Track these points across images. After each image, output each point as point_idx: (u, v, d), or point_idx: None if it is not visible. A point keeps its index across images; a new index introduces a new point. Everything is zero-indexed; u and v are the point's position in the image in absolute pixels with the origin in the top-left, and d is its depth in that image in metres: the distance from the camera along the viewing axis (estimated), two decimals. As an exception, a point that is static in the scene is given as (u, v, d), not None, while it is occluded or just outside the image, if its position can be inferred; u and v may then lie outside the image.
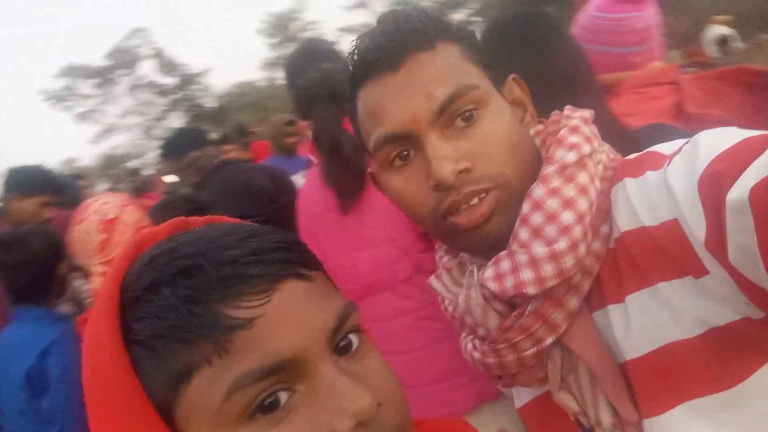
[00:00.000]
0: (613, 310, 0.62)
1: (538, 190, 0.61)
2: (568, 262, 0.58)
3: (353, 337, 0.44)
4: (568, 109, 0.70)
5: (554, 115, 0.71)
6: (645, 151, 0.65)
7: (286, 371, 0.39)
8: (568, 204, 0.59)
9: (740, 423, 0.55)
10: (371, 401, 0.39)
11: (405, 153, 0.64)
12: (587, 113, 0.69)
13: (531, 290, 0.59)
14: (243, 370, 0.38)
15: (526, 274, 0.59)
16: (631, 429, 0.62)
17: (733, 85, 1.31)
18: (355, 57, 0.67)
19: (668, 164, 0.58)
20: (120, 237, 1.61)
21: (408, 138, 0.63)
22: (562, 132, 0.65)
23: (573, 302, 0.62)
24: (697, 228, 0.52)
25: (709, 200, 0.50)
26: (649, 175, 0.60)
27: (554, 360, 0.66)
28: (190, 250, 0.42)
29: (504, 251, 0.63)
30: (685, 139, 0.60)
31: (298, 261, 0.44)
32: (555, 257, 0.58)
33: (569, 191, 0.60)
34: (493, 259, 0.64)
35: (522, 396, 0.76)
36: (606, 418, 0.63)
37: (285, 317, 0.40)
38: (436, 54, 0.64)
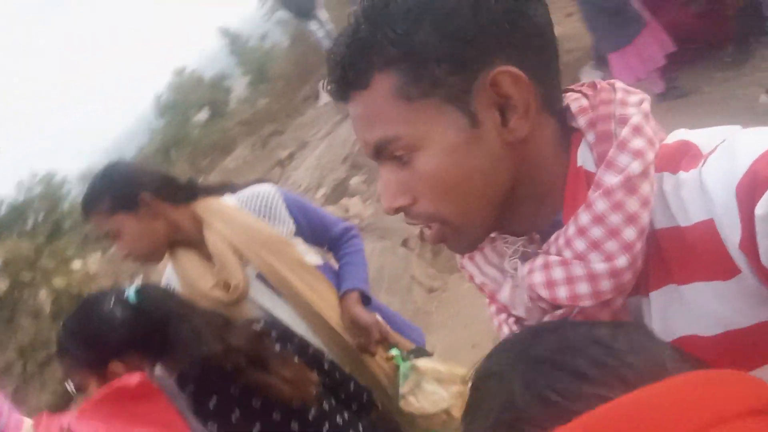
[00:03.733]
0: (642, 301, 0.62)
1: (600, 204, 0.58)
2: (627, 276, 0.58)
3: None
4: (621, 90, 0.64)
5: (603, 91, 0.64)
6: (681, 139, 0.62)
7: None
8: (631, 219, 0.57)
9: None
10: None
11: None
12: (647, 103, 0.63)
13: (587, 303, 0.59)
14: None
15: (582, 288, 0.59)
16: None
17: None
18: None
19: (703, 164, 0.57)
20: None
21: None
22: (624, 133, 0.59)
23: (619, 301, 0.62)
24: (732, 231, 0.53)
25: (745, 207, 0.51)
26: (682, 175, 0.58)
27: None
28: None
29: (555, 257, 0.61)
30: (721, 135, 0.59)
31: None
32: (615, 274, 0.57)
33: (633, 205, 0.57)
34: (540, 262, 0.62)
35: None
36: None
37: None
38: (368, 94, 0.61)
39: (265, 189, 1.63)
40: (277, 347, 1.36)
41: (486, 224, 0.65)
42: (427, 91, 0.59)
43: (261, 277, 1.57)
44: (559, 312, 0.63)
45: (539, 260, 0.62)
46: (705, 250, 0.55)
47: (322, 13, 7.64)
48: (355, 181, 5.09)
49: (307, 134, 7.57)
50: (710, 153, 0.57)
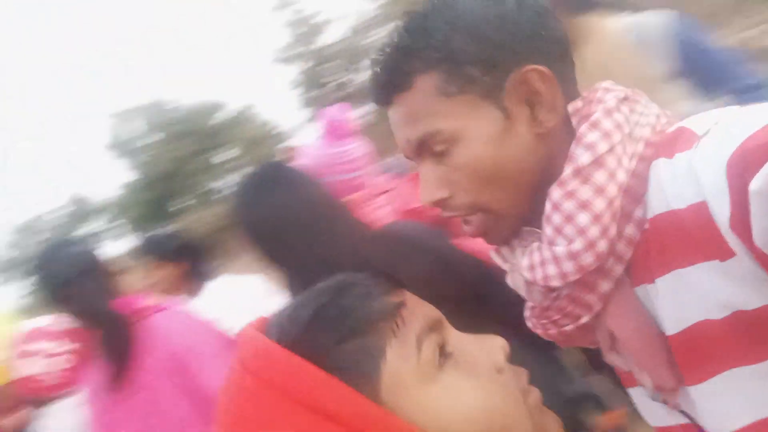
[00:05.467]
0: (650, 288, 0.64)
1: (555, 193, 0.64)
2: (586, 259, 0.62)
3: None
4: (602, 90, 0.69)
5: (592, 92, 0.69)
6: (679, 125, 0.65)
7: (438, 328, 0.51)
8: (584, 206, 0.62)
9: None
10: (506, 345, 0.52)
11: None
12: (612, 99, 0.67)
13: (555, 283, 0.65)
14: (419, 328, 0.49)
15: (551, 269, 0.65)
16: (672, 394, 0.66)
17: None
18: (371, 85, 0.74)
19: (696, 146, 0.59)
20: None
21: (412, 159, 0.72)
22: (581, 129, 0.65)
23: (605, 285, 0.65)
24: (721, 210, 0.53)
25: (736, 182, 0.51)
26: (678, 157, 0.60)
27: (601, 329, 0.70)
28: (342, 283, 0.52)
29: (537, 243, 0.68)
30: (715, 117, 0.61)
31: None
32: (573, 256, 0.62)
33: (585, 193, 0.62)
34: (529, 248, 0.68)
35: None
36: (647, 383, 0.67)
37: (417, 298, 0.53)
38: (412, 94, 0.68)
39: (654, 19, 1.51)
40: None
41: (520, 212, 0.68)
42: (464, 88, 0.66)
43: None
44: (553, 295, 0.70)
45: (532, 246, 0.68)
46: (700, 232, 0.56)
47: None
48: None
49: None
50: (704, 134, 0.59)
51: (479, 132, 0.66)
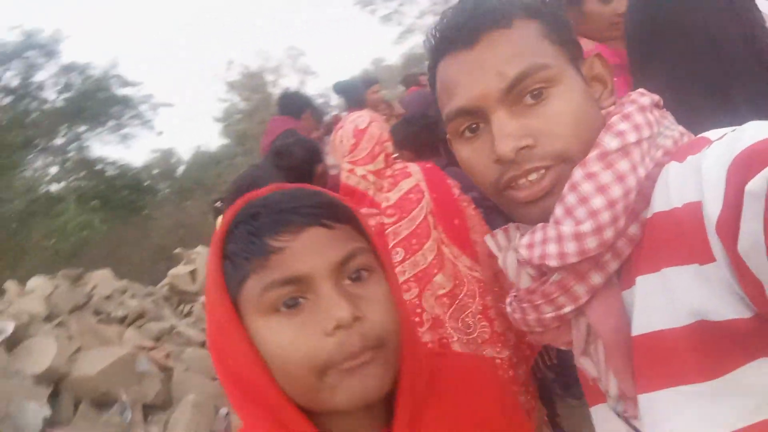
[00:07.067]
0: (632, 290, 0.64)
1: (577, 173, 0.64)
2: (591, 243, 0.62)
3: (364, 273, 0.65)
4: (636, 93, 0.70)
5: (626, 96, 0.71)
6: (699, 136, 0.65)
7: (300, 284, 0.61)
8: (601, 189, 0.62)
9: (723, 414, 0.56)
10: (349, 314, 0.60)
11: (474, 126, 0.69)
12: (647, 100, 0.69)
13: (552, 263, 0.64)
14: (272, 279, 0.61)
15: (551, 248, 0.64)
16: (631, 403, 0.66)
17: None
18: (436, 32, 0.72)
19: (707, 148, 0.58)
20: (366, 144, 1.91)
21: (477, 113, 0.68)
22: (613, 119, 0.66)
23: (596, 278, 0.65)
24: (712, 209, 0.52)
25: (734, 183, 0.50)
26: (689, 159, 0.60)
27: (579, 328, 0.71)
28: (259, 203, 0.66)
29: (541, 223, 0.67)
30: (734, 126, 0.59)
31: (325, 215, 0.65)
32: (578, 237, 0.62)
33: (605, 177, 0.62)
34: (531, 228, 0.68)
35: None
36: (613, 388, 0.67)
37: (305, 250, 0.62)
38: (512, 32, 0.67)
39: None
40: None
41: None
42: (562, 41, 0.70)
43: None
44: (541, 279, 0.70)
45: (536, 226, 0.68)
46: (689, 232, 0.56)
47: None
48: None
49: None
50: (718, 139, 0.58)
51: (577, 80, 0.69)
